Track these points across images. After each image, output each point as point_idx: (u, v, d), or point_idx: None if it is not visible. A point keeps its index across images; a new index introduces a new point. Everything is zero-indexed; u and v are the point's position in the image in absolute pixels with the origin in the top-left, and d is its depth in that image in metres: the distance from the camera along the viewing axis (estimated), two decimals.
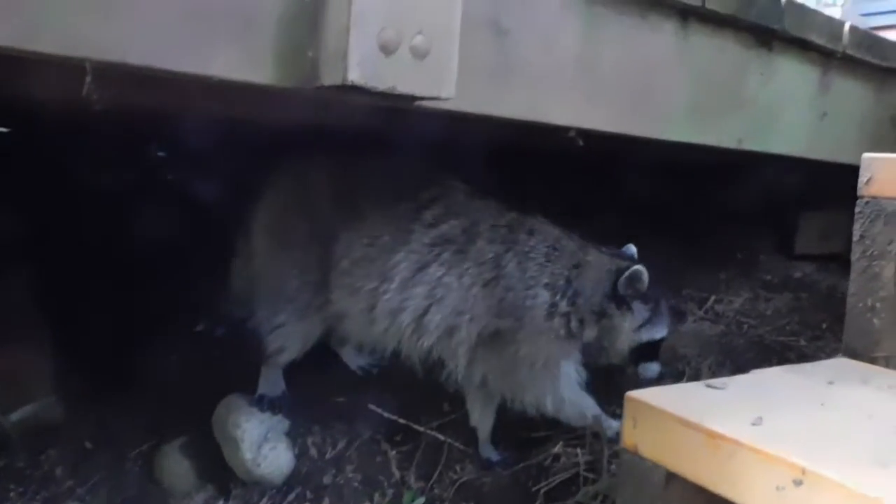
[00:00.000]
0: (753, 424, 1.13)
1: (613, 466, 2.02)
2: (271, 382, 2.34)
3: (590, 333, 2.02)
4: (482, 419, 2.23)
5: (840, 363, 1.66)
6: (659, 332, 2.07)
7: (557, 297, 2.00)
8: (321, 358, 2.54)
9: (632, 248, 2.17)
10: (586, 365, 2.08)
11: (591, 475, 1.99)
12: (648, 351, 2.08)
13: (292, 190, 2.30)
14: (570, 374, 2.04)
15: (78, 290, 2.79)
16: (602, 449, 2.05)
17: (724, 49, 2.00)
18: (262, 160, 2.42)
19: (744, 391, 1.36)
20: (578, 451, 2.10)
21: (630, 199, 3.17)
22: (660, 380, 2.08)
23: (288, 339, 2.28)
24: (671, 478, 1.14)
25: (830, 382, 1.44)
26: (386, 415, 2.35)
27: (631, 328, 2.03)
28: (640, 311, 2.02)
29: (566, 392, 2.05)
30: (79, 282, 2.82)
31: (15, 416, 2.38)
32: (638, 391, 1.24)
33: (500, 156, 2.64)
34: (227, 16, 1.08)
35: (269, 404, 2.28)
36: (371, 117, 1.70)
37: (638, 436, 1.19)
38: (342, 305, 2.15)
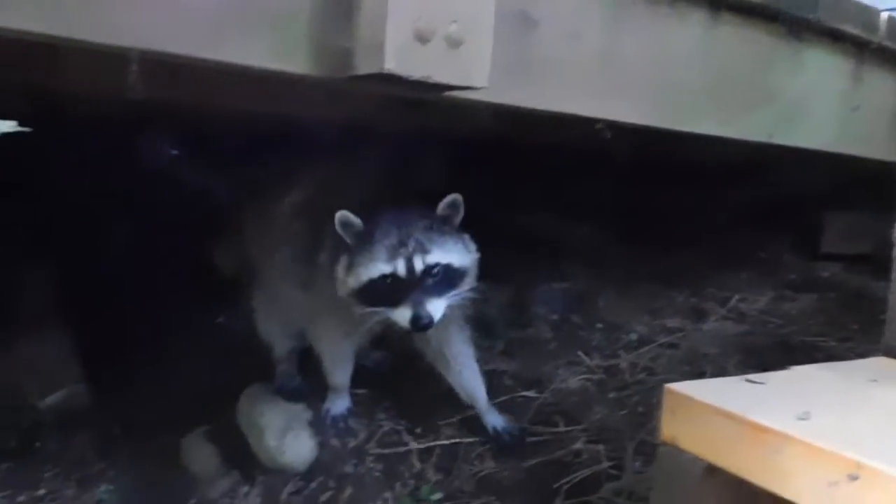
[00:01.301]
0: (800, 419, 1.11)
1: (637, 463, 2.03)
2: (286, 374, 2.41)
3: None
4: (469, 388, 2.25)
5: (881, 362, 1.61)
6: (371, 269, 1.84)
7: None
8: None
9: (450, 198, 1.92)
10: None
11: (614, 472, 1.99)
12: (385, 291, 1.84)
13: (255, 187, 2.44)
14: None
15: (104, 282, 2.83)
16: (625, 446, 2.06)
17: (752, 40, 1.95)
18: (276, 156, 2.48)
19: (785, 386, 1.33)
20: (601, 447, 2.11)
21: (651, 199, 3.17)
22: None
23: (266, 328, 2.42)
24: (711, 471, 1.13)
25: (873, 380, 1.39)
26: (405, 408, 2.37)
27: (342, 275, 1.91)
28: (357, 250, 1.88)
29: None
30: (105, 273, 2.86)
31: (48, 401, 2.43)
32: (677, 384, 1.23)
33: (528, 152, 2.65)
34: (263, 6, 1.10)
35: (288, 393, 2.34)
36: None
37: (677, 428, 1.18)
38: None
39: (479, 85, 1.19)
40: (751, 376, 1.36)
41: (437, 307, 1.82)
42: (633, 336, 2.64)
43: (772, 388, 1.29)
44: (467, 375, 2.23)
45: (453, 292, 1.88)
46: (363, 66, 1.13)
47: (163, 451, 2.39)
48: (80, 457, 2.40)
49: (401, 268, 1.83)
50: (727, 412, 1.12)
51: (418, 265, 1.83)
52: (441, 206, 1.92)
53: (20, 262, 2.74)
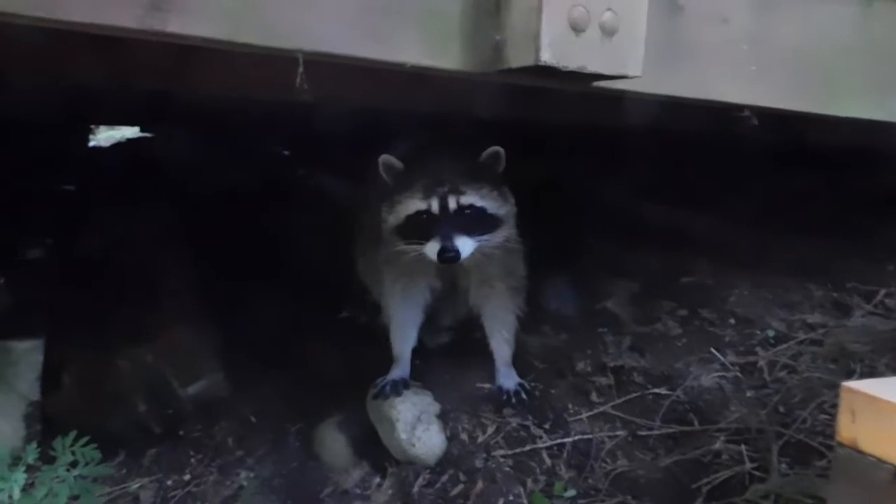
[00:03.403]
0: None
1: (783, 465, 1.93)
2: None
3: None
4: (497, 349, 2.39)
5: None
6: (409, 206, 2.04)
7: None
8: (468, 347, 2.58)
9: (492, 150, 2.05)
10: None
11: (759, 473, 1.91)
12: (420, 227, 2.02)
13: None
14: None
15: (239, 278, 2.97)
16: (770, 447, 1.97)
17: None
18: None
19: None
20: (742, 447, 2.02)
21: (785, 186, 3.02)
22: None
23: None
24: None
25: None
26: (532, 403, 2.35)
27: (385, 213, 2.10)
28: (398, 190, 2.07)
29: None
30: (239, 270, 3.00)
31: (191, 390, 2.56)
32: (856, 382, 1.15)
33: (654, 141, 2.57)
34: (416, 4, 1.11)
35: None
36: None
37: (858, 430, 1.11)
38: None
39: (633, 74, 1.16)
40: None
41: (465, 244, 1.97)
42: (770, 332, 2.50)
43: None
44: (498, 338, 2.38)
45: (485, 236, 2.03)
46: (516, 59, 1.12)
47: (297, 441, 2.48)
48: (221, 444, 2.52)
49: (434, 205, 2.00)
50: None
51: (451, 204, 2.00)
52: (483, 156, 2.05)
53: (164, 260, 2.90)
